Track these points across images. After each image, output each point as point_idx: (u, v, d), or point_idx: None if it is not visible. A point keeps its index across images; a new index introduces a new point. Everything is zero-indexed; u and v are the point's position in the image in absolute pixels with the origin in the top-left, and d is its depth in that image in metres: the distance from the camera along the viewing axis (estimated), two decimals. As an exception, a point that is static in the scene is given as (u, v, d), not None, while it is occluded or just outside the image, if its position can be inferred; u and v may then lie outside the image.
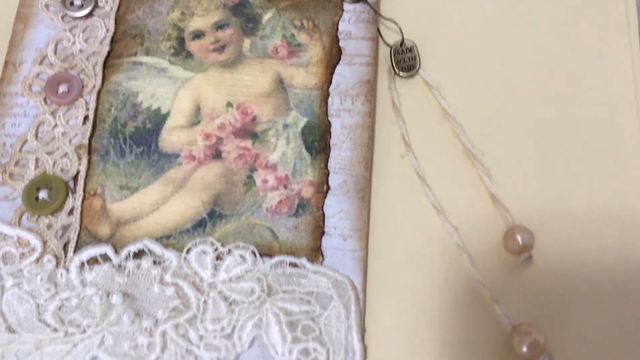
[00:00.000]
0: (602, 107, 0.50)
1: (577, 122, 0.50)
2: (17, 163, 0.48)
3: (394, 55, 0.52)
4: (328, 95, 0.50)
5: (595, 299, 0.45)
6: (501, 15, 0.54)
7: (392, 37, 0.53)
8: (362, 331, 0.44)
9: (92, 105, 0.49)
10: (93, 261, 0.46)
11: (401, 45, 0.52)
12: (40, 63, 0.51)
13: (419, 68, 0.52)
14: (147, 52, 0.51)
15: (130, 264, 0.45)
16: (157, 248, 0.46)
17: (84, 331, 0.44)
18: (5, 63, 0.51)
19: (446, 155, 0.50)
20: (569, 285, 0.46)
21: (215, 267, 0.45)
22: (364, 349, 0.44)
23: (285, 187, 0.48)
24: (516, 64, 0.52)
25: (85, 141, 0.49)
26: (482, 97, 0.51)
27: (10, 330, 0.44)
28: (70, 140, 0.49)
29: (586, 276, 0.46)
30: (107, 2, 0.52)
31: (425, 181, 0.48)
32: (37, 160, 0.48)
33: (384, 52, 0.52)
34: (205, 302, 0.44)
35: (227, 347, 0.43)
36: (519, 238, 0.46)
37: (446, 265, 0.46)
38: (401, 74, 0.52)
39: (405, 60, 0.52)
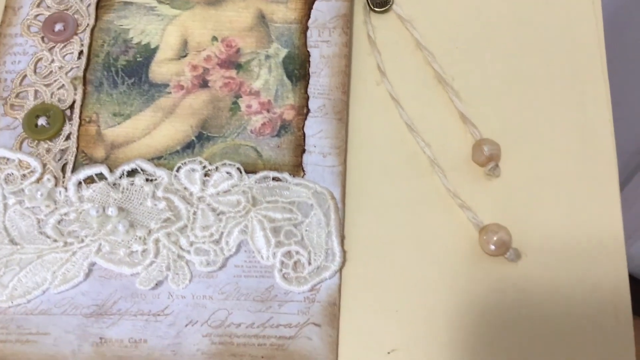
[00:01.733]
0: (563, 30, 0.54)
1: (539, 46, 0.54)
2: (17, 95, 0.52)
3: (369, -9, 0.55)
4: (307, 28, 0.53)
5: (557, 203, 0.49)
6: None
7: (366, -24, 0.56)
8: (341, 237, 0.47)
9: (86, 42, 0.53)
10: (89, 180, 0.49)
11: (375, -18, 0.56)
12: (38, 6, 0.54)
13: (392, 3, 0.55)
14: (137, -7, 0.54)
15: (125, 182, 0.49)
16: (149, 167, 0.49)
17: (82, 241, 0.47)
18: (5, 8, 0.54)
19: (419, 81, 0.53)
20: (533, 192, 0.49)
21: (204, 183, 0.48)
22: (343, 252, 0.47)
23: (268, 111, 0.51)
24: (483, -3, 0.56)
25: (80, 73, 0.52)
26: (452, 29, 0.55)
27: (13, 242, 0.47)
28: (66, 73, 0.52)
29: (549, 183, 0.49)
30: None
31: (399, 103, 0.52)
32: (36, 92, 0.52)
33: (360, -10, 0.56)
34: (194, 213, 0.48)
35: (215, 251, 0.46)
36: (485, 149, 0.49)
37: (419, 178, 0.50)
38: (376, 9, 0.55)
39: (379, -4, 0.55)
